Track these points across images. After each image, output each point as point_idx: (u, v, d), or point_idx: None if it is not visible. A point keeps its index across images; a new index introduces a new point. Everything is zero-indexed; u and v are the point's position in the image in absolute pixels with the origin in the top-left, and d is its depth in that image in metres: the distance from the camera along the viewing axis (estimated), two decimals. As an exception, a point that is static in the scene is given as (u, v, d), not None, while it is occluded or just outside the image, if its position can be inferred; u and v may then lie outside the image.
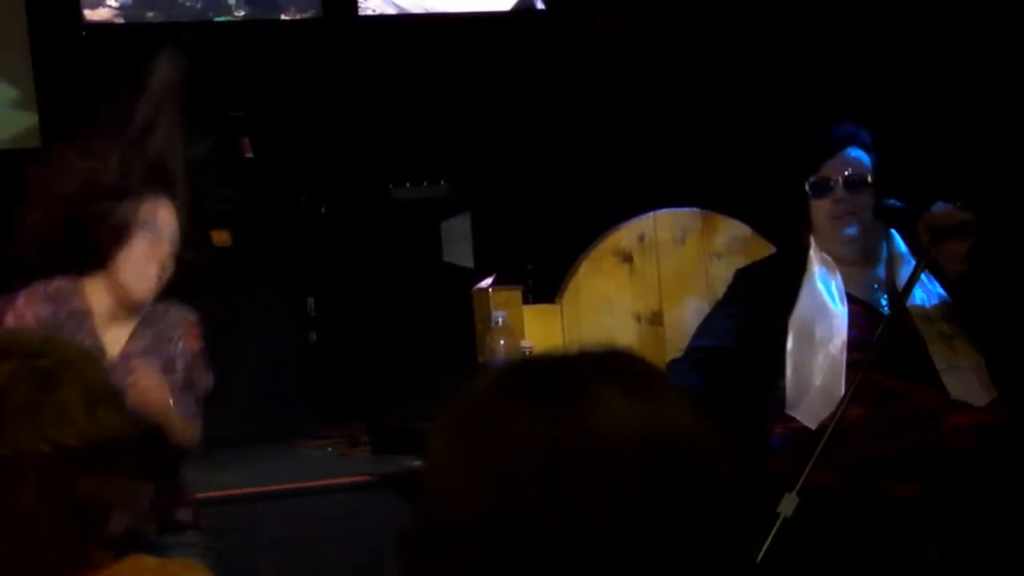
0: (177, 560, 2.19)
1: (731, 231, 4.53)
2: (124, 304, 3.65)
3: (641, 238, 4.52)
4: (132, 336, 3.67)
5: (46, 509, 1.96)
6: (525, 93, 6.53)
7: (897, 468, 3.61)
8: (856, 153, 3.82)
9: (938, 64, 5.48)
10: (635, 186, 6.07)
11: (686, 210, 4.60)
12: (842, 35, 5.81)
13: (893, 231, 3.85)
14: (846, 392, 3.51)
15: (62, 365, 2.02)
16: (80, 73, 6.02)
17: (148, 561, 2.07)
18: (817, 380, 3.66)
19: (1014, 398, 3.65)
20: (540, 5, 6.69)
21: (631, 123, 6.49)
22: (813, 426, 3.57)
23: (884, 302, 3.80)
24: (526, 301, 4.50)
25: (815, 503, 3.47)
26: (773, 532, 3.24)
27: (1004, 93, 5.24)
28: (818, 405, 3.61)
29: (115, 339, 3.66)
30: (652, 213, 4.56)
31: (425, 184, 6.18)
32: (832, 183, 3.78)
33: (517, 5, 6.72)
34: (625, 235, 4.53)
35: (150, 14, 6.33)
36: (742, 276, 4.00)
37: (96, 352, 3.36)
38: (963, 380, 3.63)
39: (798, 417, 3.65)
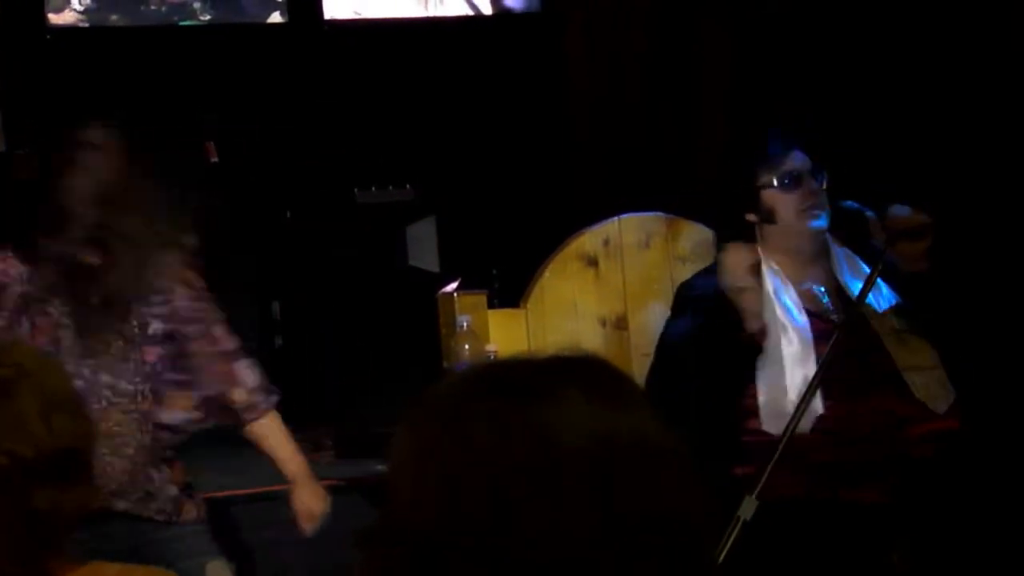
0: (142, 567, 2.18)
1: (696, 235, 4.54)
2: None
3: (606, 242, 4.52)
4: None
5: (3, 520, 1.94)
6: (491, 97, 6.53)
7: (862, 475, 3.61)
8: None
9: (898, 67, 5.50)
10: (606, 189, 6.08)
11: (651, 214, 4.61)
12: (818, 38, 5.82)
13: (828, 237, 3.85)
14: (801, 400, 3.49)
15: (20, 375, 2.00)
16: (45, 77, 6.00)
17: (111, 569, 2.06)
18: (792, 396, 3.61)
19: (968, 397, 3.67)
20: (488, 11, 6.69)
21: (602, 126, 6.49)
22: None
23: (830, 305, 3.78)
24: (491, 305, 4.50)
25: (782, 511, 3.46)
26: (732, 536, 3.23)
27: (963, 97, 5.26)
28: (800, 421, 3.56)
29: None
30: (617, 217, 4.57)
31: (391, 188, 6.17)
32: (802, 176, 3.76)
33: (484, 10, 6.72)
34: (590, 239, 4.54)
35: (114, 18, 6.31)
36: (687, 289, 3.95)
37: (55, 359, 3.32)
38: (924, 381, 3.63)
39: (777, 433, 3.58)
